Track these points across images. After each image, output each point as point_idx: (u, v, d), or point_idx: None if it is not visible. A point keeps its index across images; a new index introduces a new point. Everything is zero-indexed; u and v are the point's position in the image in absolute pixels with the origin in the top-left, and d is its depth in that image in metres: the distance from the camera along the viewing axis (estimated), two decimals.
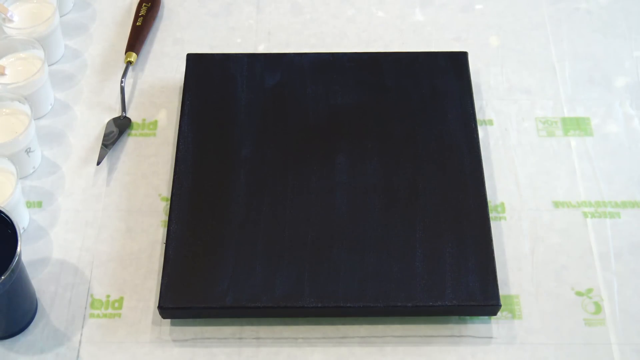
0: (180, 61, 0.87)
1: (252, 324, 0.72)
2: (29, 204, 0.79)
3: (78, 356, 0.71)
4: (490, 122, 0.84)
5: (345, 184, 0.76)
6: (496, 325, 0.72)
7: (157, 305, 0.70)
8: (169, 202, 0.77)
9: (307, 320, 0.72)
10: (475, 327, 0.72)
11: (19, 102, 0.78)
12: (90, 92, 0.87)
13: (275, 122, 0.80)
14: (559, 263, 0.75)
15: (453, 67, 0.84)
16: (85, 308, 0.73)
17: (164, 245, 0.74)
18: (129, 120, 0.84)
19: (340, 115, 0.80)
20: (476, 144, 0.78)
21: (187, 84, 0.83)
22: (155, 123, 0.85)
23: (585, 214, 0.78)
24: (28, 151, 0.78)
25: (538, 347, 0.71)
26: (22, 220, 0.76)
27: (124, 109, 0.85)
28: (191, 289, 0.71)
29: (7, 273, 0.64)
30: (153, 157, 0.82)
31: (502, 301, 0.71)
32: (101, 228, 0.78)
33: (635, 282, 0.74)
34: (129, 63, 0.87)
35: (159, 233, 0.77)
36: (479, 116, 0.84)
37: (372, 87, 0.82)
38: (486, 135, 0.83)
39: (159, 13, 0.93)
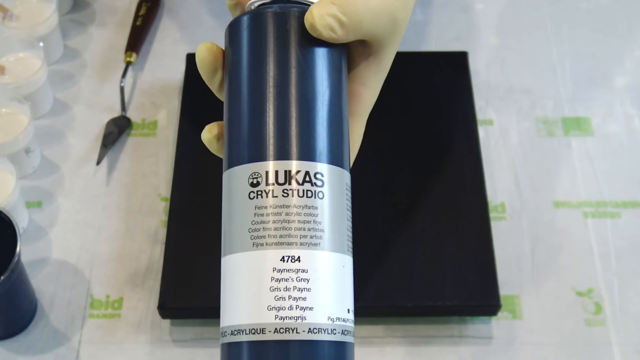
0: (180, 61, 0.87)
1: None
2: (29, 204, 0.79)
3: (78, 356, 0.71)
4: (490, 122, 0.84)
5: None
6: (496, 325, 0.72)
7: (157, 305, 0.70)
8: (169, 202, 0.77)
9: None
10: (475, 327, 0.72)
11: (19, 102, 0.78)
12: (89, 92, 0.87)
13: None
14: (559, 263, 0.75)
15: (453, 67, 0.84)
16: (85, 308, 0.73)
17: (164, 245, 0.73)
18: (128, 120, 0.84)
19: None
20: (476, 144, 0.78)
21: (187, 84, 0.83)
22: (155, 123, 0.85)
23: (585, 214, 0.78)
24: (27, 151, 0.78)
25: (538, 347, 0.71)
26: (21, 220, 0.76)
27: (123, 109, 0.85)
28: (191, 289, 0.71)
29: (7, 273, 0.64)
30: (153, 157, 0.82)
31: (502, 301, 0.71)
32: (101, 228, 0.78)
33: (636, 282, 0.74)
34: (128, 63, 0.87)
35: (159, 233, 0.77)
36: (479, 116, 0.84)
37: None
38: (486, 135, 0.83)
39: (159, 13, 0.93)
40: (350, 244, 0.44)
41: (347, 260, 0.43)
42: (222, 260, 0.43)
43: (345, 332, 0.42)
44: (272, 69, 0.43)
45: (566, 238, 0.77)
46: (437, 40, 0.91)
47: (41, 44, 0.82)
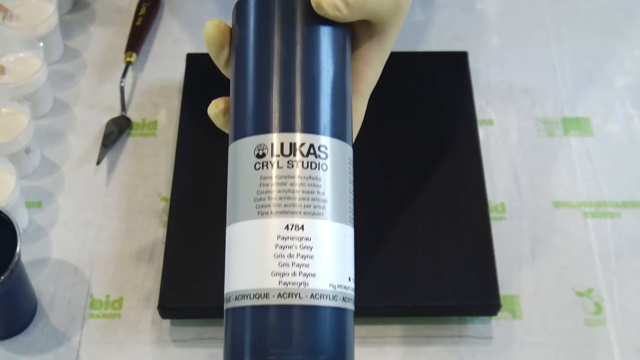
0: (180, 61, 0.87)
1: None
2: (29, 204, 0.79)
3: (78, 356, 0.71)
4: (490, 122, 0.84)
5: None
6: (496, 325, 0.72)
7: (157, 305, 0.70)
8: (169, 202, 0.77)
9: None
10: (475, 327, 0.72)
11: (19, 102, 0.78)
12: (90, 92, 0.87)
13: None
14: (559, 263, 0.75)
15: (453, 67, 0.84)
16: (85, 308, 0.73)
17: (164, 245, 0.73)
18: (128, 120, 0.84)
19: None
20: (476, 144, 0.78)
21: (187, 84, 0.83)
22: (155, 123, 0.85)
23: (585, 214, 0.78)
24: (27, 151, 0.78)
25: (538, 347, 0.71)
26: (21, 220, 0.76)
27: (123, 109, 0.85)
28: (191, 289, 0.71)
29: (7, 273, 0.64)
30: (153, 157, 0.82)
31: (502, 301, 0.71)
32: (101, 228, 0.78)
33: (636, 282, 0.74)
34: (128, 63, 0.87)
35: (159, 233, 0.77)
36: (479, 116, 0.84)
37: None
38: (486, 135, 0.83)
39: (159, 13, 0.93)
40: (352, 216, 0.45)
41: (349, 231, 0.45)
42: (227, 229, 0.44)
43: (346, 299, 0.43)
44: (278, 45, 0.44)
45: (566, 238, 0.77)
46: (437, 40, 0.91)
47: (41, 44, 0.82)
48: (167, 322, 0.72)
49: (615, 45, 0.90)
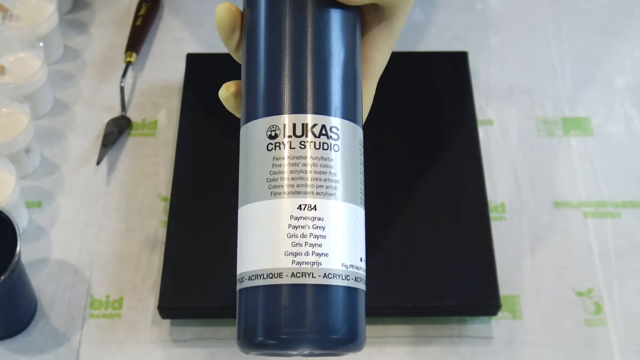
0: (180, 61, 0.87)
1: None
2: (29, 204, 0.79)
3: (78, 356, 0.71)
4: (490, 122, 0.84)
5: None
6: (496, 325, 0.72)
7: (157, 305, 0.70)
8: (169, 202, 0.77)
9: None
10: (475, 327, 0.72)
11: (19, 102, 0.78)
12: (89, 92, 0.87)
13: None
14: (559, 263, 0.75)
15: (453, 67, 0.84)
16: (85, 308, 0.73)
17: (164, 245, 0.73)
18: (128, 120, 0.84)
19: None
20: (476, 144, 0.78)
21: (187, 84, 0.83)
22: (155, 123, 0.85)
23: (585, 214, 0.78)
24: (27, 151, 0.78)
25: (538, 347, 0.71)
26: (21, 220, 0.76)
27: (123, 109, 0.85)
28: (191, 289, 0.71)
29: (7, 273, 0.64)
30: (153, 157, 0.82)
31: (502, 301, 0.71)
32: (101, 228, 0.78)
33: (636, 282, 0.74)
34: (128, 63, 0.87)
35: (159, 233, 0.77)
36: (479, 116, 0.84)
37: None
38: (486, 135, 0.83)
39: (159, 13, 0.93)
40: (363, 197, 0.46)
41: (360, 212, 0.46)
42: (239, 210, 0.45)
43: (358, 279, 0.45)
44: (289, 27, 0.45)
45: (566, 238, 0.77)
46: (437, 40, 0.91)
47: (41, 44, 0.82)
48: (167, 322, 0.72)
49: (615, 45, 0.90)
